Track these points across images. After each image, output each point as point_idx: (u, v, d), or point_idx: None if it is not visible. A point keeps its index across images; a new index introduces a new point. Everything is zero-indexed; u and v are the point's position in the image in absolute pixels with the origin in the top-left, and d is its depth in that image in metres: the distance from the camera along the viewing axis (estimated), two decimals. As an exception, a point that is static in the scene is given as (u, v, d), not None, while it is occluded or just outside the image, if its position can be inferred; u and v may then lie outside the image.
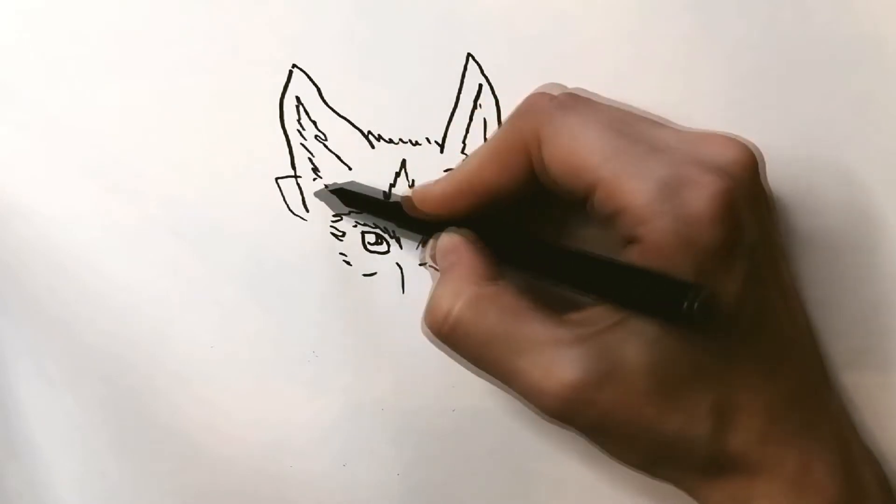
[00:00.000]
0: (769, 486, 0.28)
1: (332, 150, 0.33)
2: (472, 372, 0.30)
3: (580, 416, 0.27)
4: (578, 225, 0.31)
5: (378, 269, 0.34)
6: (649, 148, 0.27)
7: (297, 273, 0.34)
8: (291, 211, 0.33)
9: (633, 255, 0.27)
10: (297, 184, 0.33)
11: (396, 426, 0.35)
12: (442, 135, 0.33)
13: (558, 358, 0.27)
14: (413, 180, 0.33)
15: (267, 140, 0.33)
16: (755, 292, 0.27)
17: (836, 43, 0.31)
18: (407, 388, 0.35)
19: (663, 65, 0.31)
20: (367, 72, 0.32)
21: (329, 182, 0.33)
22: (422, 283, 0.34)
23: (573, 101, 0.29)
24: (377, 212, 0.33)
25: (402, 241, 0.34)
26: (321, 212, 0.34)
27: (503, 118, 0.32)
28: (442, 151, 0.33)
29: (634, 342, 0.27)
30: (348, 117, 0.33)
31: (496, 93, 0.32)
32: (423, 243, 0.34)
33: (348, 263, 0.34)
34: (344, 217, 0.34)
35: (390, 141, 0.33)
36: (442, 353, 0.30)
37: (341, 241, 0.34)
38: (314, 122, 0.33)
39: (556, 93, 0.29)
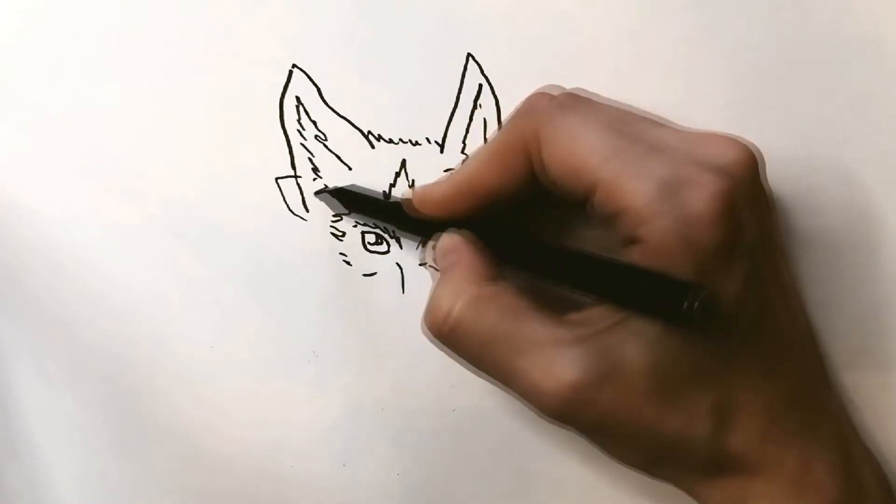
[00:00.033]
0: (769, 485, 0.28)
1: (332, 150, 0.33)
2: (472, 372, 0.30)
3: (580, 416, 0.27)
4: (579, 225, 0.31)
5: (378, 269, 0.34)
6: (649, 148, 0.27)
7: (297, 273, 0.34)
8: (291, 211, 0.33)
9: (633, 256, 0.27)
10: (297, 184, 0.33)
11: (396, 426, 0.35)
12: (442, 135, 0.33)
13: (558, 358, 0.27)
14: (413, 180, 0.33)
15: (267, 140, 0.33)
16: (755, 292, 0.27)
17: (836, 43, 0.31)
18: (407, 388, 0.35)
19: (663, 65, 0.31)
20: (367, 72, 0.32)
21: (329, 182, 0.33)
22: (422, 283, 0.34)
23: (573, 101, 0.29)
24: (377, 213, 0.33)
25: (402, 241, 0.34)
26: (321, 212, 0.34)
27: (503, 118, 0.32)
28: (442, 151, 0.33)
29: (634, 342, 0.27)
30: (348, 117, 0.33)
31: (496, 93, 0.32)
32: (423, 244, 0.34)
33: (348, 263, 0.34)
34: (344, 217, 0.34)
35: (390, 141, 0.33)
36: (442, 353, 0.30)
37: (341, 241, 0.34)
38: (314, 122, 0.33)
39: (555, 94, 0.29)
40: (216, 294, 0.34)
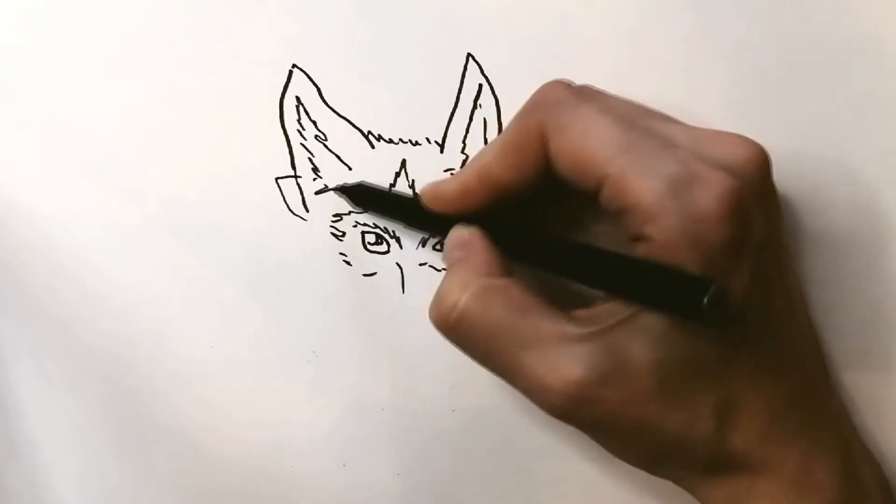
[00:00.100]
0: (769, 485, 0.28)
1: (332, 150, 0.33)
2: (478, 364, 0.29)
3: (584, 413, 0.27)
4: (591, 220, 0.31)
5: (378, 269, 0.34)
6: (659, 144, 0.27)
7: (296, 273, 0.34)
8: (291, 211, 0.33)
9: (640, 253, 0.27)
10: (297, 184, 0.33)
11: (396, 426, 0.35)
12: (442, 135, 0.33)
13: (564, 354, 0.27)
14: (413, 180, 0.33)
15: (267, 140, 0.33)
16: (761, 292, 0.27)
17: (836, 43, 0.31)
18: (407, 388, 0.35)
19: (663, 65, 0.31)
20: (367, 72, 0.32)
21: (329, 182, 0.33)
22: (422, 283, 0.34)
23: (587, 92, 0.29)
24: (389, 210, 0.33)
25: (402, 241, 0.34)
26: (321, 212, 0.34)
27: (503, 118, 0.32)
28: (442, 151, 0.33)
29: (641, 339, 0.27)
30: (348, 117, 0.33)
31: (496, 93, 0.32)
32: (424, 243, 0.34)
33: (348, 263, 0.34)
34: (344, 217, 0.34)
35: (390, 141, 0.33)
36: (442, 354, 0.30)
37: (341, 241, 0.34)
38: (314, 122, 0.33)
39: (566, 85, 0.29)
40: (216, 294, 0.34)
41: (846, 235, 0.32)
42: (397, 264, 0.34)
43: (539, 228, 0.31)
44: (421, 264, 0.34)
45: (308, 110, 0.33)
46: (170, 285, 0.34)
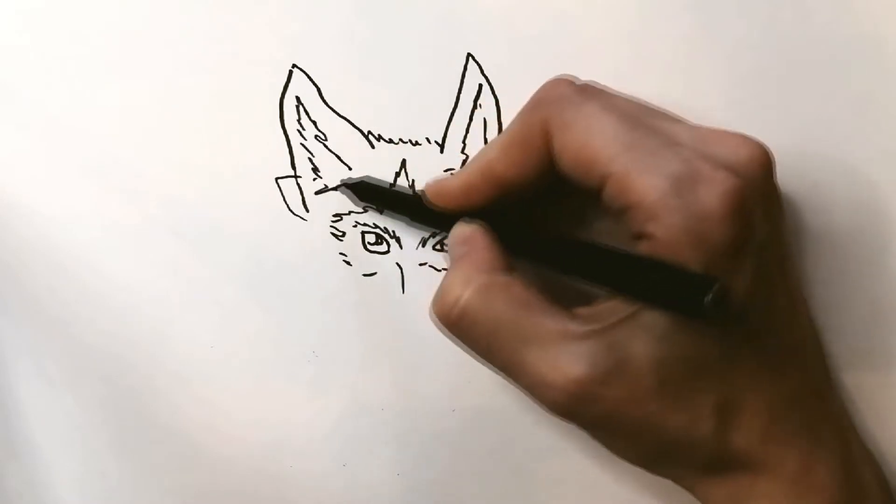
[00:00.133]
0: (770, 485, 0.28)
1: (332, 150, 0.33)
2: (480, 360, 0.29)
3: (585, 411, 0.27)
4: (595, 218, 0.31)
5: (378, 269, 0.34)
6: (662, 143, 0.27)
7: (297, 273, 0.34)
8: (291, 211, 0.33)
9: (643, 251, 0.27)
10: (297, 184, 0.33)
11: (396, 426, 0.35)
12: (442, 135, 0.33)
13: (566, 352, 0.27)
14: (413, 180, 0.33)
15: (267, 140, 0.33)
16: (762, 291, 0.27)
17: (836, 43, 0.31)
18: (407, 388, 0.35)
19: (663, 65, 0.31)
20: (367, 72, 0.32)
21: (329, 182, 0.33)
22: (422, 283, 0.34)
23: (591, 90, 0.29)
24: (393, 206, 0.33)
25: (402, 241, 0.34)
26: (321, 212, 0.34)
27: (503, 118, 0.32)
28: (442, 151, 0.33)
29: (643, 338, 0.27)
30: (348, 117, 0.33)
31: (496, 93, 0.32)
32: (424, 243, 0.34)
33: (348, 263, 0.34)
34: (344, 217, 0.34)
35: (390, 141, 0.33)
36: (442, 353, 0.30)
37: (341, 241, 0.34)
38: (314, 122, 0.33)
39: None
40: (216, 294, 0.34)
41: (847, 235, 0.32)
42: (397, 264, 0.34)
43: (541, 225, 0.31)
44: (421, 264, 0.34)
45: (308, 110, 0.33)
46: (170, 285, 0.34)
